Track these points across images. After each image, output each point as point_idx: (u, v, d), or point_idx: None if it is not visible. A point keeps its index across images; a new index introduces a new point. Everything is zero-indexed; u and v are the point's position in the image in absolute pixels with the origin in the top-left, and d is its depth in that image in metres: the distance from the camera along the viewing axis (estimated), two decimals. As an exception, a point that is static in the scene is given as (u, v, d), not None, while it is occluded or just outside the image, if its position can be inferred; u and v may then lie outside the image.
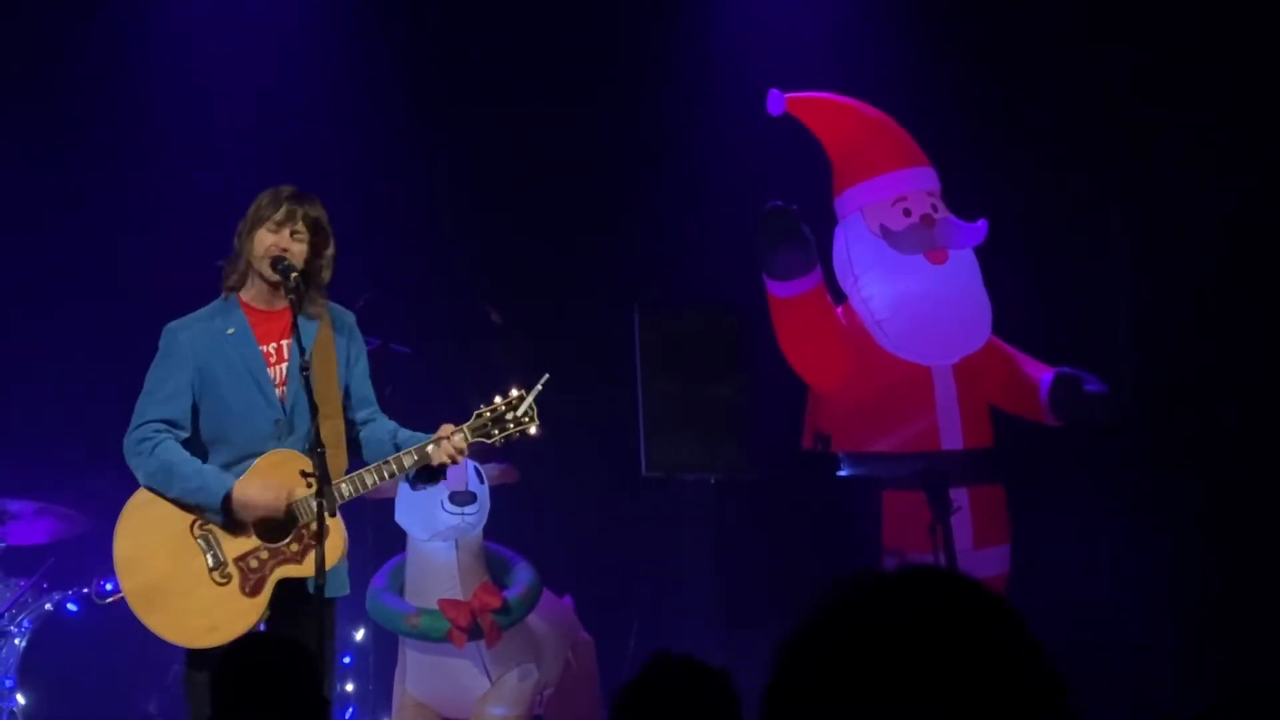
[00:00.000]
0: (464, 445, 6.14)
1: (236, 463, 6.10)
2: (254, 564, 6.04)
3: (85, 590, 8.77)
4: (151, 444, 6.02)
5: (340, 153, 10.22)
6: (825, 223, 9.91)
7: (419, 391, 8.72)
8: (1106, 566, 9.76)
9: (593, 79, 10.53)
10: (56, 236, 9.96)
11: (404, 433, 6.30)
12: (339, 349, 6.29)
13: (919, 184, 9.91)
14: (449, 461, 6.14)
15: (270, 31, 10.44)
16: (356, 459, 6.29)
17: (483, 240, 10.53)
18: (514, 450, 8.71)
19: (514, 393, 6.25)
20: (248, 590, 6.03)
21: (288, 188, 6.33)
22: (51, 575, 8.85)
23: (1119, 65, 10.28)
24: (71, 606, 8.75)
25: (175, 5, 10.36)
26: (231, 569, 6.03)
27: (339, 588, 6.15)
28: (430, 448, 6.10)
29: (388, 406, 8.33)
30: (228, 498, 5.99)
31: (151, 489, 6.08)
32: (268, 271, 6.17)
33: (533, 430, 6.26)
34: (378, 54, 10.48)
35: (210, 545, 6.03)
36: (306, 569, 6.01)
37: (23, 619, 8.76)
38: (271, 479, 6.05)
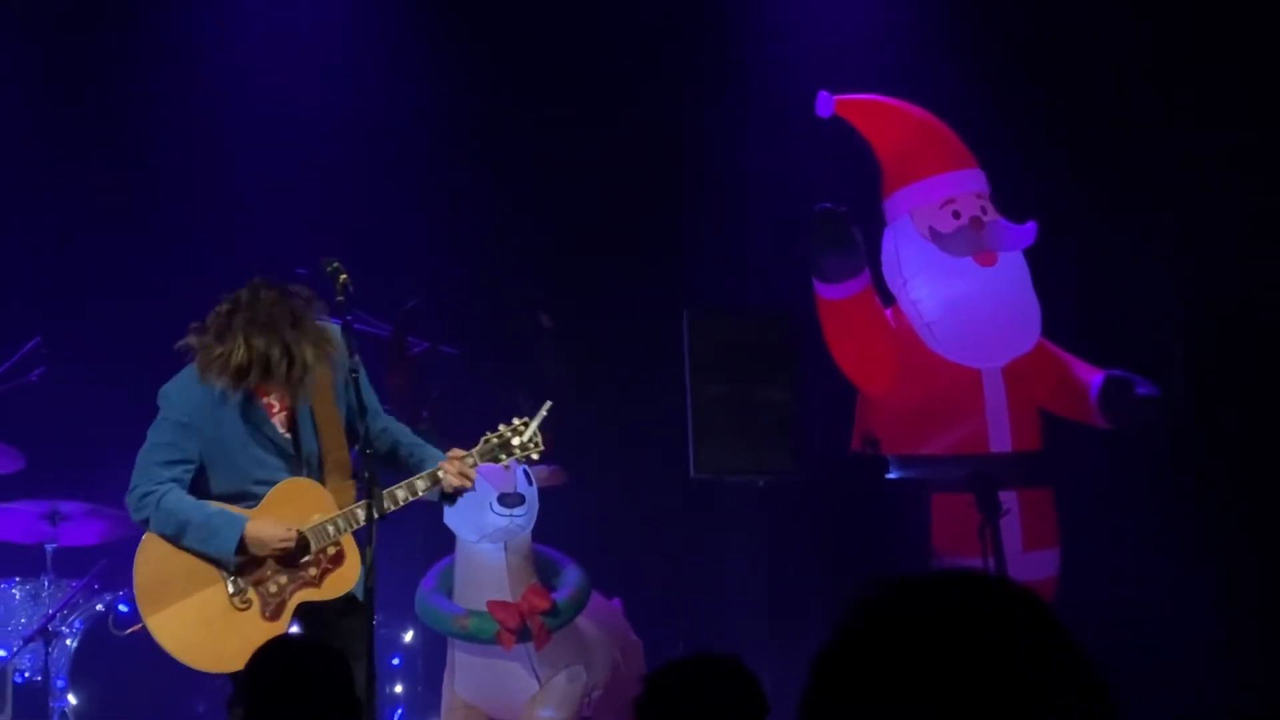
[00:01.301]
0: (472, 472, 6.23)
1: (254, 504, 6.13)
2: (273, 589, 6.07)
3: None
4: (156, 496, 6.01)
5: (389, 155, 10.26)
6: (874, 225, 9.90)
7: (467, 393, 8.74)
8: (1157, 569, 9.71)
9: (641, 81, 10.53)
10: (109, 241, 10.00)
11: (414, 453, 6.32)
12: (334, 374, 6.24)
13: (968, 186, 9.89)
14: (460, 485, 6.21)
15: (320, 38, 10.48)
16: (396, 469, 6.30)
17: (532, 243, 10.54)
18: (562, 452, 8.74)
19: (517, 420, 6.36)
20: (268, 615, 6.06)
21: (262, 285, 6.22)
22: (102, 576, 8.89)
23: (1168, 66, 10.23)
24: (123, 608, 8.78)
25: (224, 15, 10.40)
26: (251, 594, 6.05)
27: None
28: (440, 472, 6.16)
29: (436, 407, 8.37)
30: (241, 542, 6.00)
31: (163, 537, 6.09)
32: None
33: (535, 457, 6.40)
34: (427, 58, 10.50)
35: (229, 573, 6.05)
36: (325, 593, 6.06)
37: (74, 619, 8.81)
38: (285, 510, 6.06)
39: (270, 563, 6.09)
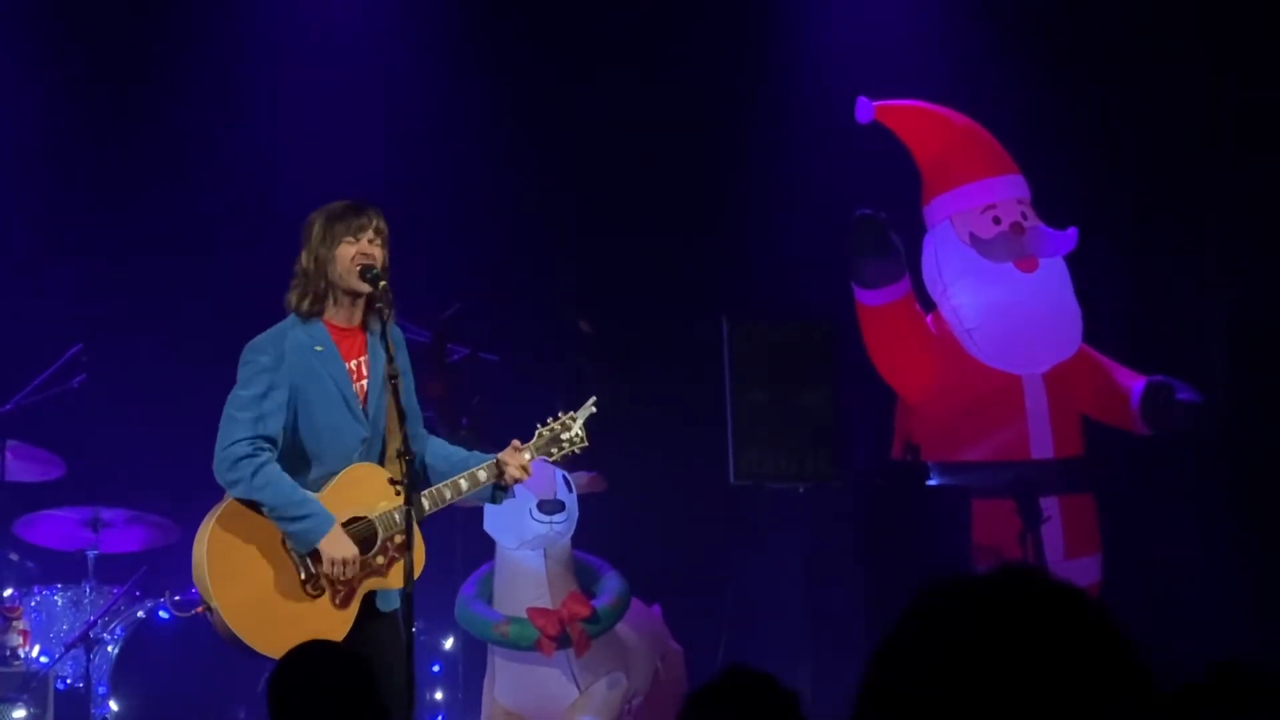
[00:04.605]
0: (529, 463, 6.28)
1: (324, 480, 6.10)
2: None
3: (176, 597, 8.83)
4: (254, 464, 5.93)
5: (430, 161, 10.27)
6: (914, 231, 9.88)
7: (507, 400, 8.73)
8: (1199, 576, 9.67)
9: (680, 87, 10.53)
10: (151, 248, 10.04)
11: (469, 454, 6.34)
12: (400, 365, 6.28)
13: (1008, 192, 9.87)
14: (519, 477, 6.26)
15: (360, 42, 10.51)
16: (433, 476, 6.30)
17: (571, 249, 10.55)
18: (602, 459, 8.74)
19: (564, 415, 6.42)
20: (338, 602, 6.03)
21: (346, 201, 6.29)
22: (144, 583, 8.92)
23: (1212, 72, 10.19)
24: (163, 614, 8.81)
25: (268, 12, 10.44)
26: (323, 581, 6.03)
27: (389, 602, 6.14)
28: (500, 465, 6.18)
29: (476, 414, 8.37)
30: (325, 537, 5.98)
31: (248, 504, 6.04)
32: (355, 284, 6.14)
33: (577, 452, 6.44)
34: (467, 62, 10.51)
35: (302, 558, 6.03)
36: (392, 581, 6.02)
37: (115, 626, 8.83)
38: (353, 495, 6.05)
39: None
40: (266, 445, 5.99)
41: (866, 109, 9.70)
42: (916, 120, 9.93)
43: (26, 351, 9.29)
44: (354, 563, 5.95)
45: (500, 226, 10.45)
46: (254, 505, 6.00)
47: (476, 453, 6.35)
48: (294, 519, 5.95)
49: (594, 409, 6.44)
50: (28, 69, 10.23)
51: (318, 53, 10.39)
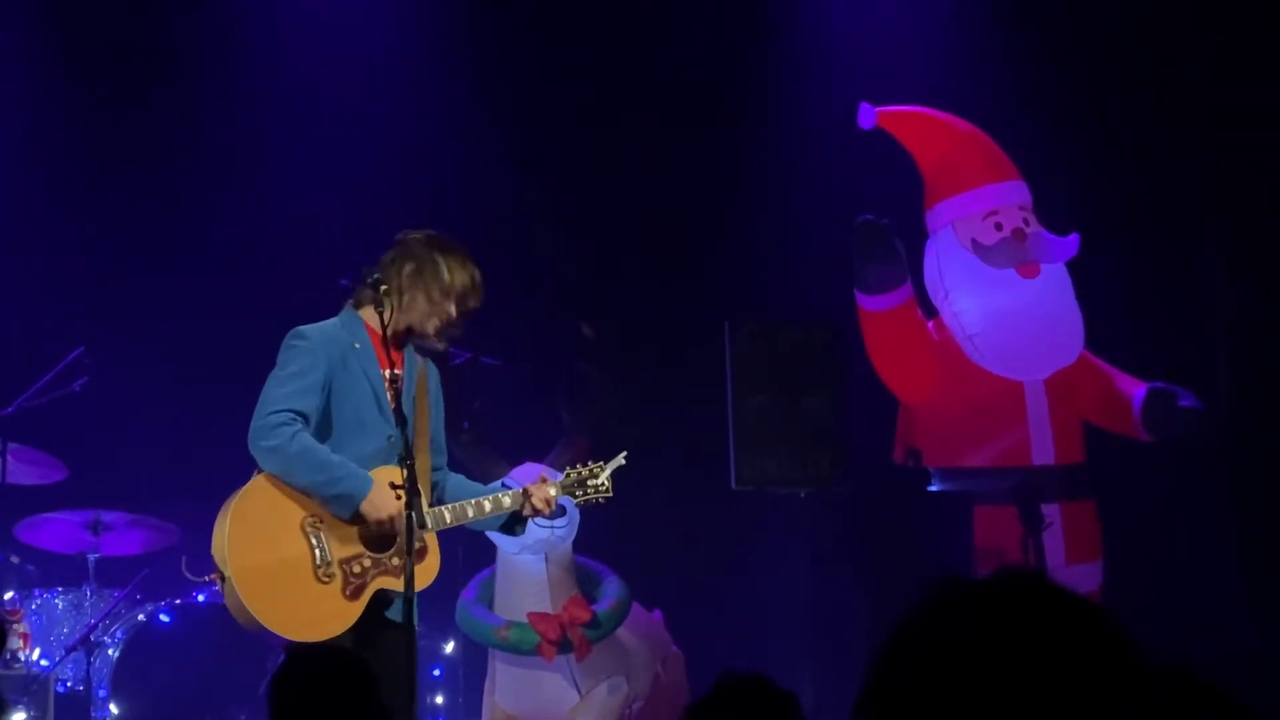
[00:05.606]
0: (554, 499, 6.44)
1: None
2: (357, 569, 6.07)
3: (178, 601, 8.84)
4: (291, 430, 6.02)
5: (430, 164, 10.27)
6: (916, 237, 9.88)
7: (509, 404, 8.74)
8: (1200, 582, 9.67)
9: (683, 93, 10.53)
10: (152, 252, 10.05)
11: (488, 487, 6.45)
12: (430, 394, 6.38)
13: (1010, 198, 9.87)
14: (542, 510, 6.41)
15: (362, 43, 10.53)
16: (437, 503, 6.34)
17: (573, 253, 10.55)
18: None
19: (594, 463, 6.64)
20: (348, 593, 6.06)
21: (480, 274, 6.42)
22: (144, 586, 8.92)
23: (1212, 72, 10.20)
24: (164, 617, 8.81)
25: (267, 15, 10.45)
26: (335, 569, 6.05)
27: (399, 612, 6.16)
28: (525, 495, 6.33)
29: (477, 418, 8.36)
30: (368, 495, 6.03)
31: (281, 474, 6.06)
32: (430, 332, 6.26)
33: (602, 500, 6.67)
34: (467, 64, 10.52)
35: (319, 543, 6.05)
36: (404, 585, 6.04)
37: (116, 629, 8.83)
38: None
39: (358, 543, 6.08)
40: (300, 418, 6.08)
41: (869, 114, 9.70)
42: (919, 126, 9.94)
43: (28, 354, 9.29)
44: (399, 518, 5.95)
45: (501, 228, 10.44)
46: (285, 477, 6.04)
47: (496, 485, 6.45)
48: (334, 480, 6.02)
49: (623, 461, 6.65)
50: (30, 71, 10.24)
51: (318, 56, 10.40)
